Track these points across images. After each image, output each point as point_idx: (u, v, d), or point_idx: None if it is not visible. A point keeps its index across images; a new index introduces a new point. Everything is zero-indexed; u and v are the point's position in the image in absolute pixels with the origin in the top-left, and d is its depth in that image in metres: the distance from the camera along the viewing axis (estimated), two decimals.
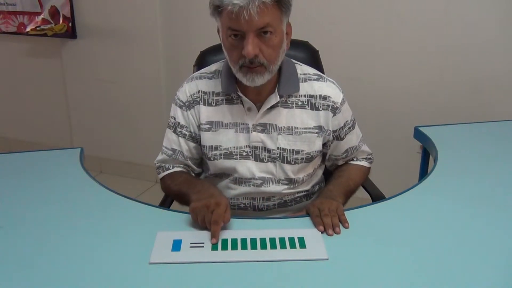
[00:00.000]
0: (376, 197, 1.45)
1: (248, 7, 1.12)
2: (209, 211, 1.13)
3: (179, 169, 1.42)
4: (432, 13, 2.33)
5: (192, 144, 1.39)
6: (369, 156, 1.49)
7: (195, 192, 1.24)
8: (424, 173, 1.92)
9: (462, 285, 0.97)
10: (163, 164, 1.43)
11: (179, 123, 1.38)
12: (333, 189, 1.34)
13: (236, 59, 1.22)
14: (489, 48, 2.31)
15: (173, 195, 1.40)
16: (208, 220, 1.12)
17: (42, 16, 3.04)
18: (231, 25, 1.17)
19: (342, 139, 1.40)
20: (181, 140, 1.38)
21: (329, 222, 1.15)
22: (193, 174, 1.44)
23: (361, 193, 1.51)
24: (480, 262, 1.04)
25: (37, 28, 3.03)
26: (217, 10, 1.18)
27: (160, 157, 1.43)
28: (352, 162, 1.47)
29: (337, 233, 1.13)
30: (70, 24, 2.98)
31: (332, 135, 1.38)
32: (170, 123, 1.41)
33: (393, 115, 2.53)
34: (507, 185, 1.40)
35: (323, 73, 1.60)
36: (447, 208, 1.27)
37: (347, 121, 1.39)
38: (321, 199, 1.26)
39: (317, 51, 1.69)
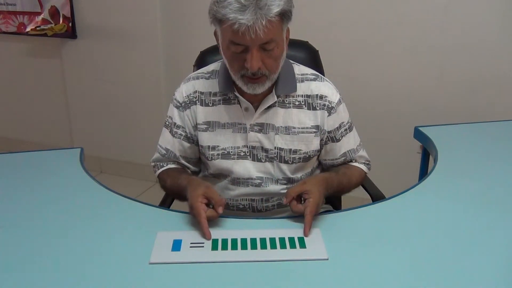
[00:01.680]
0: (376, 197, 1.45)
1: (255, 26, 1.10)
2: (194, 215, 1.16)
3: (173, 165, 1.43)
4: (432, 13, 2.33)
5: (187, 145, 1.39)
6: (367, 162, 1.48)
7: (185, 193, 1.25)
8: (424, 173, 1.92)
9: (462, 285, 0.97)
10: (158, 163, 1.45)
11: (175, 123, 1.39)
12: (333, 185, 1.31)
13: (238, 69, 1.21)
14: (489, 48, 2.31)
15: (168, 191, 1.42)
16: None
17: (42, 16, 3.04)
18: (234, 39, 1.15)
19: (338, 140, 1.39)
20: (176, 140, 1.39)
21: (311, 222, 1.15)
22: (189, 172, 1.44)
23: (361, 193, 1.51)
24: (480, 262, 1.04)
25: (37, 28, 3.03)
26: (219, 22, 1.17)
27: (155, 156, 1.45)
28: (351, 163, 1.46)
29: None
30: (70, 24, 2.98)
31: (327, 136, 1.37)
32: (166, 123, 1.42)
33: (393, 115, 2.54)
34: (507, 185, 1.40)
35: (323, 73, 1.61)
36: (447, 208, 1.27)
37: (343, 122, 1.39)
38: (321, 192, 1.22)
39: (317, 51, 1.69)
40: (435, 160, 1.56)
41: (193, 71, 1.51)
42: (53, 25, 3.01)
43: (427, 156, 1.88)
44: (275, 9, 1.12)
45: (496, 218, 1.22)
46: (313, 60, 1.65)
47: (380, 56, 2.48)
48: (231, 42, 1.17)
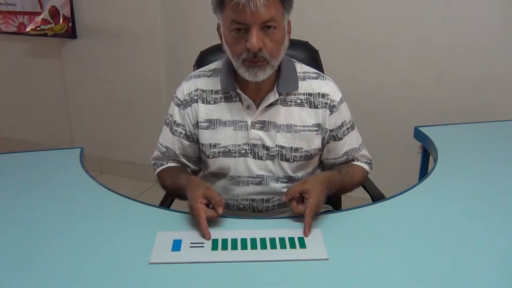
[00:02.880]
0: (376, 197, 1.45)
1: (255, 0, 1.12)
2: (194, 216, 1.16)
3: (173, 164, 1.43)
4: (432, 13, 2.33)
5: (186, 143, 1.39)
6: (369, 161, 1.48)
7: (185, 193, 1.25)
8: (424, 173, 1.92)
9: (462, 284, 0.97)
10: (158, 161, 1.45)
11: (175, 121, 1.39)
12: (335, 184, 1.31)
13: (239, 53, 1.21)
14: (489, 48, 2.31)
15: (168, 189, 1.42)
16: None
17: (42, 16, 3.04)
18: (235, 17, 1.17)
19: (340, 139, 1.39)
20: (175, 139, 1.39)
21: (310, 222, 1.15)
22: (188, 170, 1.44)
23: (361, 193, 1.51)
24: (480, 262, 1.04)
25: (37, 28, 3.03)
26: (221, 4, 1.18)
27: (154, 154, 1.45)
28: (353, 162, 1.46)
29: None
30: (70, 24, 2.98)
31: (329, 135, 1.37)
32: (167, 120, 1.42)
33: (393, 115, 2.54)
34: (507, 185, 1.40)
35: (323, 73, 1.60)
36: (447, 208, 1.27)
37: (344, 121, 1.39)
38: (322, 192, 1.22)
39: (317, 51, 1.69)
40: (435, 160, 1.56)
41: (193, 71, 1.51)
42: (53, 25, 3.01)
43: (427, 156, 1.88)
44: None
45: (496, 218, 1.22)
46: (313, 60, 1.65)
47: (380, 56, 2.48)
48: (233, 21, 1.18)
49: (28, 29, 3.09)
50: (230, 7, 1.16)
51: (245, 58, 1.21)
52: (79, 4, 2.95)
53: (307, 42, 1.70)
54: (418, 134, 1.82)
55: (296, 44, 1.61)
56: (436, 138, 1.71)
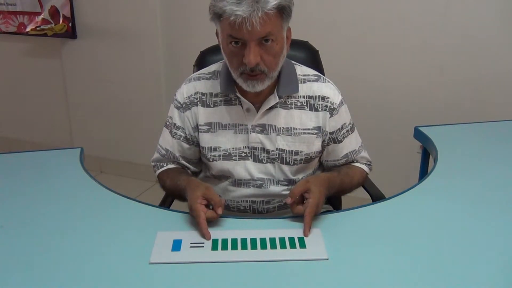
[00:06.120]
0: (376, 197, 1.45)
1: (251, 18, 1.11)
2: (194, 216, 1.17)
3: (173, 166, 1.43)
4: (432, 13, 2.33)
5: (186, 146, 1.39)
6: (368, 163, 1.48)
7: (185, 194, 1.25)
8: (424, 173, 1.92)
9: (462, 285, 0.97)
10: (158, 163, 1.45)
11: (175, 124, 1.39)
12: (335, 185, 1.31)
13: (237, 65, 1.21)
14: (489, 47, 2.31)
15: (168, 191, 1.42)
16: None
17: (42, 16, 3.04)
18: (232, 33, 1.16)
19: (339, 141, 1.39)
20: (175, 141, 1.39)
21: (310, 222, 1.15)
22: (188, 172, 1.44)
23: (361, 193, 1.51)
24: (480, 262, 1.04)
25: (37, 28, 3.03)
26: (218, 17, 1.17)
27: (155, 156, 1.45)
28: (353, 164, 1.46)
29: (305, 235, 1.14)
30: (70, 24, 2.98)
31: (329, 137, 1.37)
32: (167, 123, 1.42)
33: (393, 115, 2.54)
34: (507, 185, 1.40)
35: (323, 73, 1.61)
36: (447, 208, 1.27)
37: (344, 123, 1.38)
38: (322, 192, 1.22)
39: (317, 51, 1.69)
40: (435, 160, 1.56)
41: (193, 71, 1.51)
42: (53, 25, 3.01)
43: (427, 156, 1.88)
44: (273, 2, 1.13)
45: (496, 218, 1.22)
46: (313, 60, 1.65)
47: (380, 56, 2.48)
48: (229, 36, 1.17)
49: (28, 29, 3.09)
50: (228, 22, 1.14)
51: (242, 71, 1.21)
52: (79, 4, 2.95)
53: (307, 42, 1.70)
54: (418, 134, 1.82)
55: (296, 44, 1.61)
56: (436, 138, 1.71)
